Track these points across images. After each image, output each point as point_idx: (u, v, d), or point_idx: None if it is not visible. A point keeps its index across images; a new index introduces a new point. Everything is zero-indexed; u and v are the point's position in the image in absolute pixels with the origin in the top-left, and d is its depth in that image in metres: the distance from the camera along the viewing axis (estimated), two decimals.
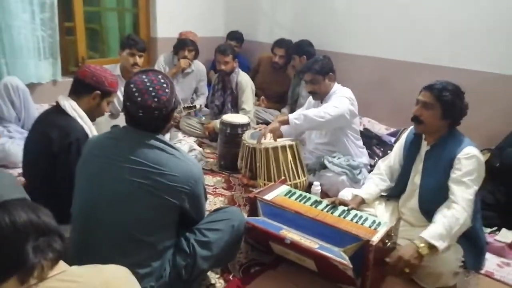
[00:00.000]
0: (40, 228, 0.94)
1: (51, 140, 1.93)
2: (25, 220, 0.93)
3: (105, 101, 2.09)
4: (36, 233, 0.93)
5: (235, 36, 4.52)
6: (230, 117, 3.06)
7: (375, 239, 1.69)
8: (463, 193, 1.81)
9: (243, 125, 2.96)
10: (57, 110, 2.00)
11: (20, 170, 2.57)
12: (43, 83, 3.65)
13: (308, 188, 2.57)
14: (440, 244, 1.71)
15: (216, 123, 3.36)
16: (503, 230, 2.25)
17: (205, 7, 4.73)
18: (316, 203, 2.10)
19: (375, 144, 3.12)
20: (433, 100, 1.91)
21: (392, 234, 1.84)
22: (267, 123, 3.57)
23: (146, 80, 1.47)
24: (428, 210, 1.94)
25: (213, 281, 1.83)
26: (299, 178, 2.55)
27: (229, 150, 2.98)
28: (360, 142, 2.88)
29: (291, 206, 2.02)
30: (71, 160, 1.83)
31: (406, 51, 3.50)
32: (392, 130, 3.41)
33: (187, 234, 1.62)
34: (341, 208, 2.05)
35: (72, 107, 1.99)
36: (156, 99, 1.44)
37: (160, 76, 1.51)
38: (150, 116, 1.45)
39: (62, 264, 0.98)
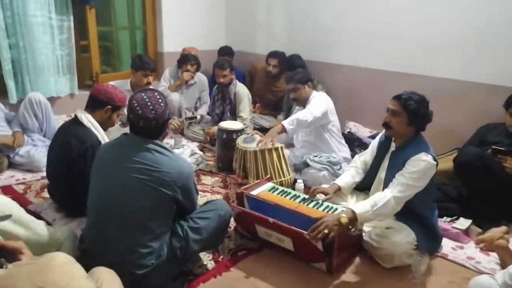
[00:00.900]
0: None
1: (71, 147, 2.31)
2: None
3: (115, 114, 2.47)
4: None
5: (225, 51, 4.81)
6: (226, 124, 3.43)
7: None
8: (398, 183, 2.08)
9: (238, 130, 3.31)
10: (75, 121, 2.38)
11: (43, 174, 2.97)
12: (61, 96, 3.98)
13: (293, 185, 2.91)
14: (360, 212, 2.01)
15: (216, 129, 3.72)
16: (461, 218, 2.53)
17: (207, 24, 5.06)
18: (295, 197, 2.44)
19: (356, 146, 3.45)
20: (400, 108, 2.14)
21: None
22: (262, 128, 3.93)
23: (145, 97, 1.83)
24: None
25: (205, 262, 2.16)
26: (284, 176, 2.89)
27: (225, 153, 3.33)
28: (342, 139, 3.32)
29: (273, 199, 2.37)
30: (87, 163, 2.19)
31: (387, 61, 3.79)
32: (374, 133, 3.73)
33: (181, 221, 1.95)
34: (315, 201, 2.38)
35: (87, 119, 2.37)
36: (153, 111, 1.80)
37: (156, 94, 1.87)
38: (149, 125, 1.80)
39: None
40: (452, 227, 2.47)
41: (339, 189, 2.47)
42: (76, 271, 1.18)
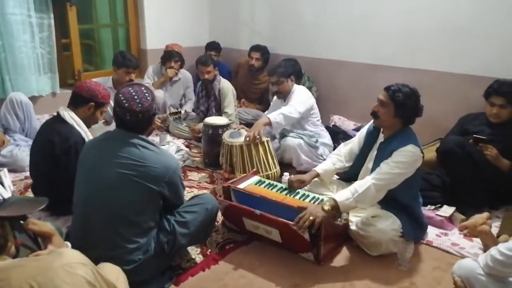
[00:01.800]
0: None
1: (54, 144, 2.29)
2: None
3: (99, 111, 2.44)
4: None
5: (213, 47, 4.78)
6: (212, 120, 3.42)
7: None
8: (381, 171, 2.11)
9: (223, 126, 3.31)
10: (58, 119, 2.36)
11: (26, 174, 2.93)
12: (43, 95, 3.90)
13: (280, 178, 2.92)
14: (341, 200, 2.06)
15: (201, 125, 3.71)
16: (444, 206, 2.59)
17: (190, 20, 5.00)
18: (281, 189, 2.46)
19: (341, 138, 3.48)
20: (387, 99, 2.16)
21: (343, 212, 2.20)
22: (248, 123, 3.93)
23: (132, 90, 1.82)
24: None
25: (193, 256, 2.16)
26: (270, 170, 2.91)
27: (211, 149, 3.33)
28: (322, 126, 3.43)
29: (259, 192, 2.39)
30: (71, 160, 2.18)
31: (369, 54, 3.83)
32: (358, 125, 3.77)
33: (168, 216, 1.94)
34: (301, 192, 2.41)
35: (70, 116, 2.35)
36: (140, 105, 1.78)
37: (143, 88, 1.86)
38: (135, 119, 1.79)
39: None
40: (436, 214, 2.52)
41: (317, 175, 2.51)
42: (78, 279, 1.05)
